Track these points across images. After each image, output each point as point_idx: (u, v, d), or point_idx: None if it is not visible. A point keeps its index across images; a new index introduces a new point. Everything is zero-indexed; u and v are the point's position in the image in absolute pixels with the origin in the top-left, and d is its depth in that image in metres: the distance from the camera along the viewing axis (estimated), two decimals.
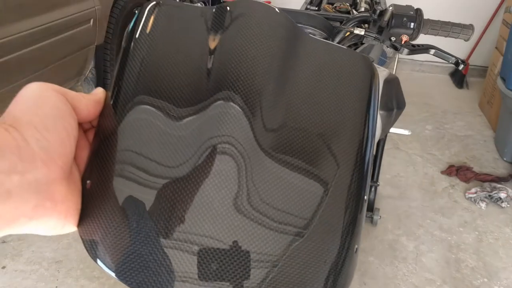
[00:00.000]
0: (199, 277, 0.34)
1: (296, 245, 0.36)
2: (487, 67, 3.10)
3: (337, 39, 0.92)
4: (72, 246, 1.72)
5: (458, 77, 3.53)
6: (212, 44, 0.41)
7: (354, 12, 1.44)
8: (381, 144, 1.73)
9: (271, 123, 0.38)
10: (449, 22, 0.98)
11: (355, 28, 0.90)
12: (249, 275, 0.35)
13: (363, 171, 0.41)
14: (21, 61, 1.69)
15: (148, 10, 0.41)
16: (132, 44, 0.40)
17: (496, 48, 2.92)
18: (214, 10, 0.43)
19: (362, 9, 1.49)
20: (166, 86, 0.38)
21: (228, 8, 0.42)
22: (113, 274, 0.34)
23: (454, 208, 2.04)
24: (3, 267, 1.61)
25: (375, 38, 0.90)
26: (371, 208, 1.80)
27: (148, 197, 0.35)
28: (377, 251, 1.75)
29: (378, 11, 0.93)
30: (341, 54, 0.44)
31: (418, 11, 0.95)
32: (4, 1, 1.59)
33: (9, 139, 0.28)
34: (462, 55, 3.58)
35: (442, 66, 3.69)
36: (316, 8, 1.59)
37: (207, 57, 0.40)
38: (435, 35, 0.99)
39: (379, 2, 1.53)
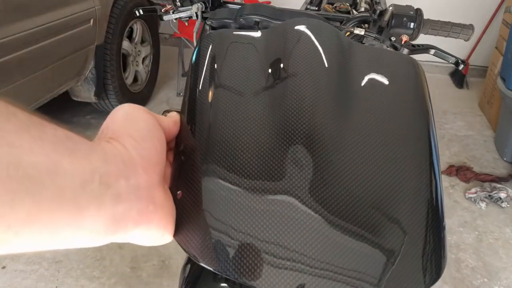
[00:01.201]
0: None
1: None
2: (487, 67, 3.10)
3: None
4: None
5: (458, 77, 3.53)
6: (276, 68, 0.44)
7: (354, 12, 1.44)
8: None
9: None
10: (449, 22, 0.98)
11: (355, 28, 0.90)
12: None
13: (436, 175, 0.43)
14: (21, 61, 1.69)
15: (208, 40, 0.47)
16: (199, 71, 0.45)
17: (496, 48, 2.92)
18: (270, 32, 0.47)
19: (362, 9, 1.48)
20: (234, 108, 0.42)
21: (285, 30, 0.46)
22: (227, 275, 0.37)
23: (454, 208, 2.04)
24: (3, 267, 1.61)
25: (375, 38, 0.90)
26: None
27: (238, 203, 0.38)
28: None
29: (378, 11, 0.93)
30: (390, 59, 0.47)
31: (418, 11, 0.95)
32: (4, 1, 1.59)
33: (112, 149, 0.31)
34: (462, 55, 3.57)
35: (442, 66, 3.69)
36: (316, 8, 1.59)
37: (273, 81, 0.44)
38: (435, 35, 0.99)
39: (379, 2, 1.53)
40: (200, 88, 0.44)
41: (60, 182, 0.25)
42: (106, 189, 0.28)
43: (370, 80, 0.45)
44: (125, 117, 0.35)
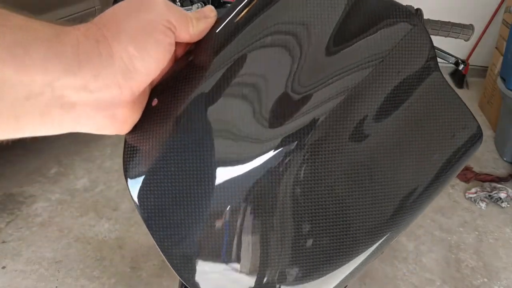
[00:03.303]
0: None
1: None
2: (487, 67, 3.10)
3: None
4: (72, 246, 1.72)
5: (458, 77, 3.53)
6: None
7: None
8: None
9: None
10: (449, 22, 0.98)
11: None
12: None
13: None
14: None
15: None
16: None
17: (496, 48, 2.92)
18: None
19: None
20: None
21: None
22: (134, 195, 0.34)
23: (454, 208, 2.04)
24: (3, 267, 1.61)
25: None
26: None
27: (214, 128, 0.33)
28: None
29: None
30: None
31: (418, 11, 0.95)
32: (4, 1, 1.59)
33: (95, 55, 0.26)
34: (462, 55, 3.57)
35: (442, 66, 3.65)
36: None
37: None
38: (435, 35, 0.99)
39: None
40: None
41: (2, 93, 0.23)
42: (59, 100, 0.26)
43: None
44: (132, 5, 0.28)
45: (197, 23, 0.32)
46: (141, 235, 1.79)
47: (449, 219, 1.97)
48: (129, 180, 0.34)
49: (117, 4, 0.29)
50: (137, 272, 1.61)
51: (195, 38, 0.33)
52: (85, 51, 0.26)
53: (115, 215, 1.90)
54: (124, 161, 0.35)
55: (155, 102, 0.34)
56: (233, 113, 0.33)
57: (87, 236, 1.78)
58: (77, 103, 0.27)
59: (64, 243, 1.73)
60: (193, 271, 0.35)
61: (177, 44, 0.31)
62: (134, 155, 0.34)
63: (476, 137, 0.43)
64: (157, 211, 0.34)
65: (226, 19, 0.36)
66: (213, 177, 0.33)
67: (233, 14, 0.36)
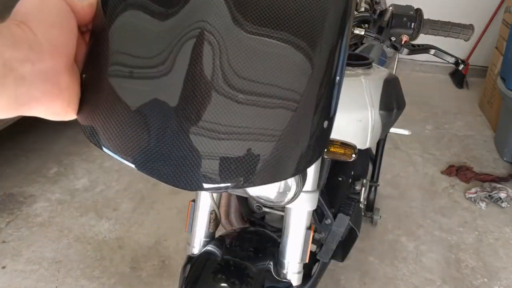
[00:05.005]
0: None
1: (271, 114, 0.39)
2: (487, 67, 3.10)
3: None
4: (72, 246, 1.72)
5: (458, 77, 3.53)
6: None
7: (354, 12, 1.44)
8: (381, 144, 1.73)
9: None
10: (449, 22, 0.98)
11: (355, 28, 0.90)
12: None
13: (335, 53, 0.42)
14: None
15: None
16: None
17: (496, 48, 2.92)
18: None
19: (362, 9, 1.48)
20: None
21: None
22: (112, 154, 0.39)
23: (454, 208, 2.04)
24: (3, 267, 1.61)
25: (375, 38, 0.90)
26: (371, 208, 1.80)
27: (137, 83, 0.39)
28: (377, 251, 1.75)
29: (378, 11, 0.93)
30: None
31: (418, 11, 0.95)
32: (3, 2, 1.59)
33: (21, 33, 0.33)
34: (462, 55, 3.57)
35: (442, 66, 3.69)
36: None
37: None
38: (435, 35, 0.99)
39: (379, 2, 1.53)
40: None
41: None
42: (9, 72, 0.31)
43: None
44: (35, 1, 0.36)
45: (85, 5, 0.40)
46: (141, 235, 1.79)
47: (449, 219, 1.97)
48: (78, 116, 0.40)
49: (22, 4, 0.36)
50: (137, 272, 1.61)
51: (88, 11, 0.40)
52: (16, 33, 0.32)
53: (115, 215, 1.90)
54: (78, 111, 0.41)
55: (85, 78, 0.40)
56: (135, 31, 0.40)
57: (87, 236, 1.78)
58: (26, 76, 0.32)
59: (64, 243, 1.73)
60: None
61: (80, 16, 0.39)
62: (82, 100, 0.40)
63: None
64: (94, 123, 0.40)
65: None
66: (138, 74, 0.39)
67: None
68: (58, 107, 0.37)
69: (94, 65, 0.40)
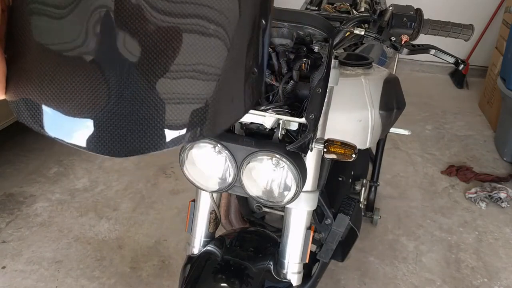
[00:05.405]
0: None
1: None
2: (487, 67, 3.10)
3: (337, 39, 0.92)
4: (72, 246, 1.72)
5: (458, 77, 3.53)
6: None
7: (354, 12, 1.44)
8: (381, 144, 1.73)
9: None
10: (449, 22, 0.98)
11: (355, 28, 0.90)
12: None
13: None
14: None
15: None
16: None
17: (496, 48, 2.92)
18: None
19: (362, 9, 1.48)
20: None
21: None
22: (41, 130, 0.41)
23: (454, 208, 2.04)
24: (3, 267, 1.61)
25: (375, 38, 0.90)
26: (371, 208, 1.80)
27: (58, 55, 0.41)
28: (377, 251, 1.75)
29: (378, 11, 0.93)
30: None
31: (418, 11, 0.95)
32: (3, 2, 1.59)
33: None
34: (462, 55, 3.57)
35: (442, 66, 3.69)
36: (316, 8, 1.58)
37: None
38: (435, 35, 0.99)
39: (379, 2, 1.53)
40: None
41: None
42: None
43: None
44: None
45: None
46: (141, 235, 1.79)
47: (449, 219, 1.97)
48: (7, 95, 0.42)
49: None
50: (137, 272, 1.61)
51: None
52: None
53: (115, 215, 1.90)
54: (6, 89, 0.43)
55: (8, 57, 0.41)
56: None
57: (87, 236, 1.78)
58: None
59: (64, 243, 1.73)
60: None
61: None
62: (9, 79, 0.42)
63: None
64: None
65: None
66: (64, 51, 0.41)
67: None
68: None
69: (16, 44, 0.41)
